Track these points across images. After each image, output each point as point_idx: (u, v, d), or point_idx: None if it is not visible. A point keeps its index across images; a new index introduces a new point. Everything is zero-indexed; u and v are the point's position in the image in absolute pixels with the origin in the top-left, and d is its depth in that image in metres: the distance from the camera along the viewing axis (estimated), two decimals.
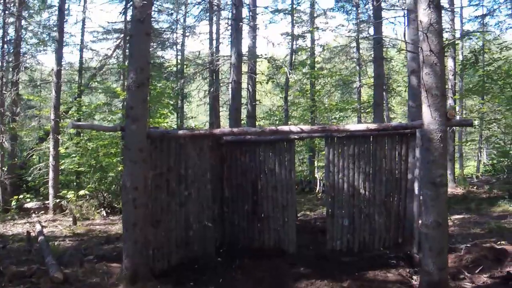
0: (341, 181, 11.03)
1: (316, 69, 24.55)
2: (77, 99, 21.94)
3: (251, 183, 11.71)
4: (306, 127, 9.55)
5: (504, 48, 19.52)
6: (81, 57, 25.18)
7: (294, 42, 24.36)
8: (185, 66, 26.91)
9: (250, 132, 10.17)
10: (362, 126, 9.12)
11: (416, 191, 9.80)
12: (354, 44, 26.04)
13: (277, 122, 23.16)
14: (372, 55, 21.26)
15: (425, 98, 6.80)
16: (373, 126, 8.70)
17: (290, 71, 19.83)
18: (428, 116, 6.73)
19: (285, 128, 9.42)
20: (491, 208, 14.87)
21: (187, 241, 10.35)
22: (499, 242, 9.84)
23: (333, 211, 11.09)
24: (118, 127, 9.64)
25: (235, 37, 15.03)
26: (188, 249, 10.31)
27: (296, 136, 11.24)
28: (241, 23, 15.00)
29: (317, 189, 20.65)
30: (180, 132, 9.84)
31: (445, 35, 19.20)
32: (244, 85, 22.18)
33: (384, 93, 17.99)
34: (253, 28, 18.75)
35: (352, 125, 9.58)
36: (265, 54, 18.41)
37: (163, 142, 9.82)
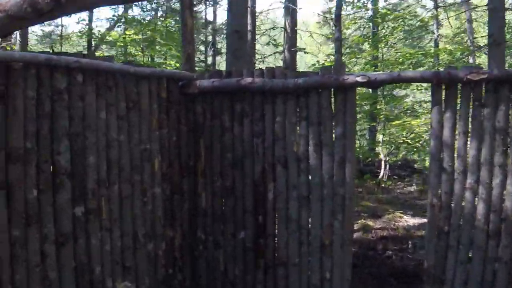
0: (470, 196, 3.22)
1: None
2: None
3: (254, 185, 4.83)
4: None
5: None
6: None
7: None
8: None
9: None
10: None
11: None
12: None
13: None
14: None
15: None
16: None
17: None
18: None
19: None
20: None
21: None
22: None
23: (442, 265, 4.27)
24: None
25: None
26: None
27: (361, 79, 3.43)
28: None
29: (381, 174, 12.83)
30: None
31: None
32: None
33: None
34: None
35: None
36: None
37: None
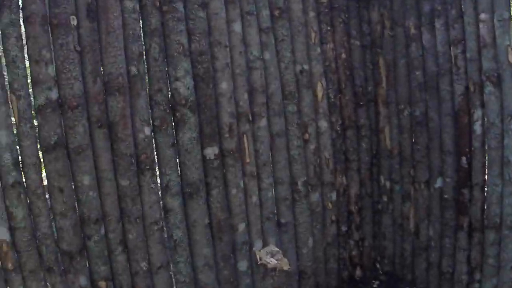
0: None
1: None
2: None
3: (454, 114, 3.30)
4: None
5: None
6: None
7: None
8: None
9: None
10: None
11: None
12: None
13: None
14: None
15: None
16: None
17: None
18: None
19: None
20: None
21: None
22: None
23: None
24: None
25: None
26: None
27: None
28: None
29: None
30: None
31: None
32: None
33: None
34: None
35: None
36: None
37: None
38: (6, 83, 2.49)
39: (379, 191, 3.90)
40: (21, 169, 2.51)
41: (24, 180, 2.52)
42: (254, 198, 3.28)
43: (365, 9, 3.71)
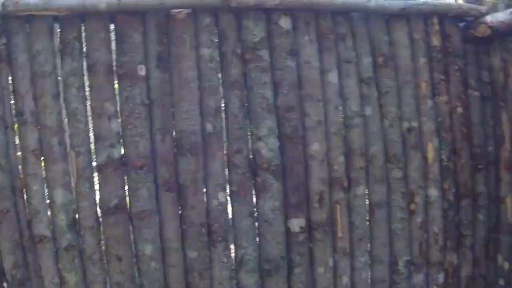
0: None
1: None
2: None
3: None
4: None
5: None
6: None
7: None
8: None
9: None
10: None
11: None
12: None
13: None
14: None
15: None
16: None
17: None
18: None
19: None
20: None
21: None
22: None
23: None
24: None
25: None
26: None
27: None
28: None
29: None
30: None
31: None
32: None
33: None
34: None
35: None
36: None
37: None
38: (65, 138, 2.35)
39: (495, 273, 3.30)
40: (77, 231, 2.38)
41: (80, 243, 2.39)
42: (345, 279, 2.85)
43: (486, 54, 3.21)
